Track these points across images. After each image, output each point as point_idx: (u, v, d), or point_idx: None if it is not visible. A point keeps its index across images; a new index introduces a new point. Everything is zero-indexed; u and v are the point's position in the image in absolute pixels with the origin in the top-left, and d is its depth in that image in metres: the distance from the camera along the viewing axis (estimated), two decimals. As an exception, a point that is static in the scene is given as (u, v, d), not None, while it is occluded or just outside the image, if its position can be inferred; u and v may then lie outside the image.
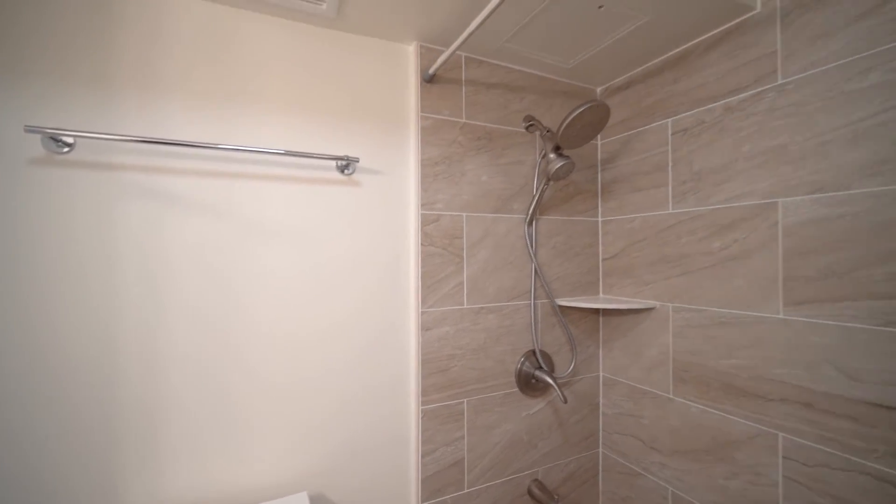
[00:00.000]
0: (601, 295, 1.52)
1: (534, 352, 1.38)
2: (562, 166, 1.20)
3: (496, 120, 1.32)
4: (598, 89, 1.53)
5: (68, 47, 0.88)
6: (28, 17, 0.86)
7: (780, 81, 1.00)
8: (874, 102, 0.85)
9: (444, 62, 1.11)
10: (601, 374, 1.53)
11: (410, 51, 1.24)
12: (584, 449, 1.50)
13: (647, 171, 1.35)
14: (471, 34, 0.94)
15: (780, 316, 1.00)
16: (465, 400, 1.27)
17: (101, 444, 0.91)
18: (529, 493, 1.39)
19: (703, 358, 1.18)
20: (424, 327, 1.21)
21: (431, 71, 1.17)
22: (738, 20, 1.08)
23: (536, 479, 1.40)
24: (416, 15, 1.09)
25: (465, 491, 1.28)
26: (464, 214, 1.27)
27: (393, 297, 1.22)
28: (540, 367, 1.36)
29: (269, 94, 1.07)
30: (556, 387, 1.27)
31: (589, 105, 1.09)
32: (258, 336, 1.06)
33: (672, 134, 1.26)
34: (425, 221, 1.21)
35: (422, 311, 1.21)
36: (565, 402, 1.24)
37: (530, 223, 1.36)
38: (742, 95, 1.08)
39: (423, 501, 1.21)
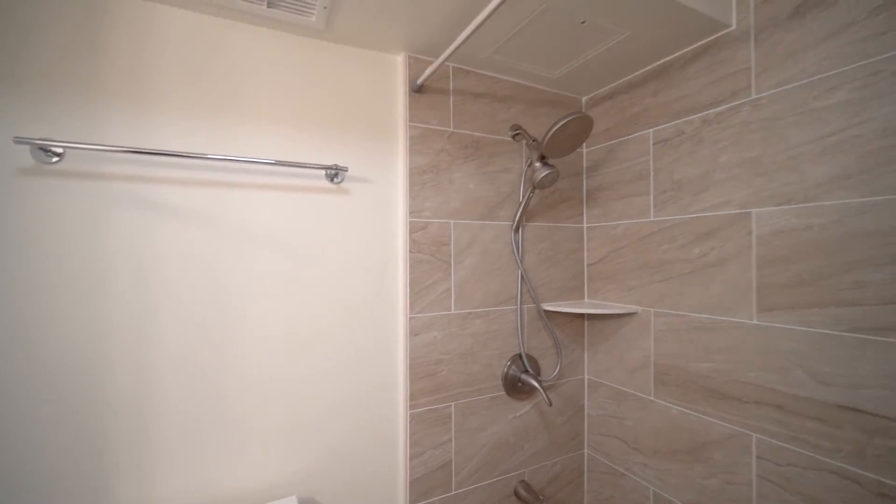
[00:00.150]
0: (586, 300, 1.56)
1: (520, 355, 1.41)
2: (546, 175, 1.23)
3: (483, 129, 1.35)
4: (584, 99, 1.56)
5: (58, 58, 0.89)
6: (17, 30, 0.86)
7: (753, 96, 1.04)
8: (839, 119, 0.89)
9: (432, 73, 1.13)
10: (586, 376, 1.57)
11: (399, 61, 1.26)
12: (569, 450, 1.54)
13: (629, 180, 1.39)
14: (457, 48, 0.97)
15: (754, 322, 1.05)
16: (453, 403, 1.30)
17: (93, 447, 0.92)
18: (516, 494, 1.42)
19: (683, 361, 1.22)
20: (413, 332, 1.24)
21: (420, 81, 1.19)
22: (714, 36, 1.12)
23: (523, 481, 1.43)
24: (405, 27, 1.11)
25: (453, 493, 1.30)
26: (451, 222, 1.29)
27: (381, 303, 1.25)
28: (526, 371, 1.39)
29: (258, 103, 1.09)
30: (541, 390, 1.30)
31: (572, 117, 1.13)
32: (250, 341, 1.07)
33: (653, 144, 1.30)
34: (413, 229, 1.24)
35: (410, 317, 1.23)
36: (550, 404, 1.27)
37: (517, 230, 1.39)
38: (719, 108, 1.12)
39: (411, 503, 1.23)
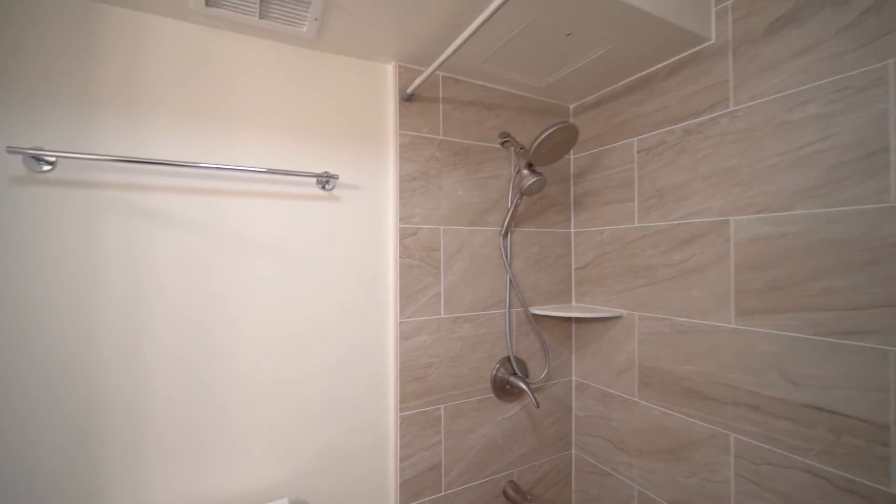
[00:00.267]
0: (574, 303, 1.60)
1: (509, 358, 1.44)
2: (534, 182, 1.26)
3: (472, 136, 1.37)
4: (571, 106, 1.60)
5: (51, 68, 0.90)
6: (9, 41, 0.87)
7: (731, 108, 1.08)
8: (810, 132, 0.93)
9: (422, 83, 1.16)
10: (574, 378, 1.60)
11: (389, 70, 1.28)
12: (557, 450, 1.57)
13: (615, 186, 1.42)
14: (445, 61, 0.99)
15: (733, 325, 1.08)
16: (443, 406, 1.32)
17: (88, 449, 0.94)
18: (505, 494, 1.45)
19: (665, 363, 1.25)
20: (403, 336, 1.26)
21: (410, 90, 1.22)
22: (694, 49, 1.16)
23: (512, 481, 1.46)
24: (395, 38, 1.13)
25: (443, 493, 1.33)
26: (441, 227, 1.32)
27: (372, 307, 1.27)
28: (514, 373, 1.42)
29: (250, 111, 1.10)
30: (528, 392, 1.33)
31: (558, 126, 1.16)
32: (243, 344, 1.09)
33: (638, 152, 1.34)
34: (404, 234, 1.26)
35: (400, 321, 1.25)
36: (537, 406, 1.30)
37: (505, 235, 1.42)
38: (699, 119, 1.16)
39: (401, 504, 1.26)
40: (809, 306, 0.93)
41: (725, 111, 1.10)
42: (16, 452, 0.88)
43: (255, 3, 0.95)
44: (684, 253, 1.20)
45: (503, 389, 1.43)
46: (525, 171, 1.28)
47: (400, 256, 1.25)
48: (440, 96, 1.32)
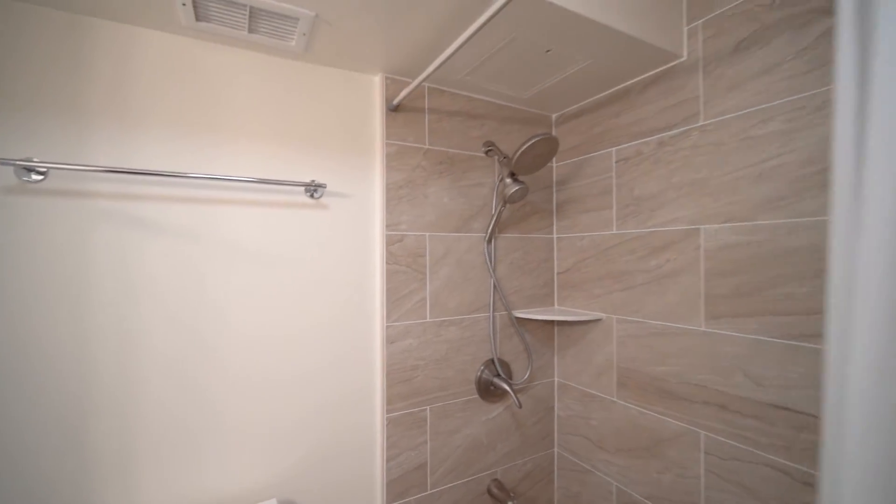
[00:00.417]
0: (556, 306, 1.65)
1: (493, 360, 1.49)
2: (516, 191, 1.31)
3: (457, 145, 1.42)
4: (554, 116, 1.65)
5: (42, 80, 0.92)
6: (1, 54, 0.89)
7: (701, 123, 1.14)
8: (773, 147, 0.99)
9: (408, 94, 1.19)
10: (556, 379, 1.66)
11: (376, 81, 1.32)
12: (540, 449, 1.62)
13: (595, 194, 1.48)
14: (430, 74, 1.03)
15: (703, 328, 1.14)
16: (428, 407, 1.36)
17: (81, 451, 0.96)
18: (489, 492, 1.49)
19: (641, 365, 1.31)
20: (389, 340, 1.29)
21: (396, 101, 1.25)
22: (667, 66, 1.22)
23: (496, 479, 1.51)
24: (382, 51, 1.17)
25: (429, 492, 1.36)
26: (427, 234, 1.36)
27: (360, 312, 1.30)
28: (498, 375, 1.47)
29: (240, 122, 1.13)
30: (511, 393, 1.37)
31: (538, 138, 1.20)
32: (234, 347, 1.12)
33: (616, 162, 1.39)
34: (390, 241, 1.29)
35: (387, 325, 1.29)
36: (520, 406, 1.35)
37: (489, 241, 1.46)
38: (672, 132, 1.22)
39: (388, 503, 1.29)
40: (772, 311, 0.99)
41: (696, 125, 1.15)
42: (11, 454, 0.90)
43: (245, 19, 0.98)
44: (659, 259, 1.26)
45: (487, 391, 1.47)
46: (508, 180, 1.33)
47: (386, 262, 1.29)
48: (426, 107, 1.35)
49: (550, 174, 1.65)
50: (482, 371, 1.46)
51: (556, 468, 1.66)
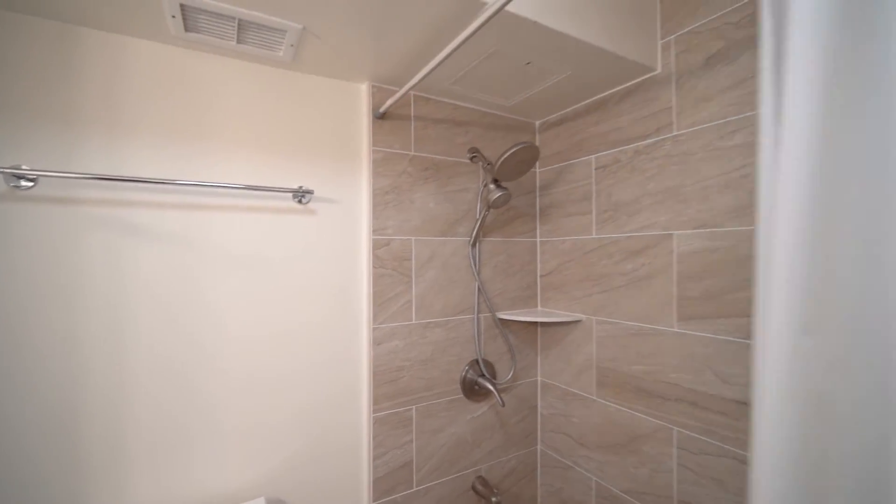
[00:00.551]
0: (539, 308, 1.70)
1: (477, 361, 1.53)
2: (499, 197, 1.35)
3: (443, 152, 1.46)
4: (537, 123, 1.70)
5: (33, 89, 0.94)
6: (-9, 62, 0.91)
7: (674, 133, 1.20)
8: (738, 158, 1.05)
9: (394, 103, 1.23)
10: (539, 378, 1.71)
11: (363, 90, 1.35)
12: (524, 447, 1.67)
13: (576, 200, 1.53)
14: (415, 84, 1.07)
15: (675, 329, 1.20)
16: (414, 407, 1.40)
17: (73, 450, 0.98)
18: (473, 488, 1.53)
19: (619, 364, 1.36)
20: (376, 342, 1.33)
21: (383, 109, 1.29)
22: (643, 78, 1.27)
23: (480, 476, 1.55)
24: (368, 61, 1.20)
25: (414, 489, 1.40)
26: (412, 238, 1.39)
27: (347, 314, 1.33)
28: (482, 375, 1.51)
29: (229, 129, 1.15)
30: (495, 392, 1.42)
31: (520, 146, 1.25)
32: (226, 350, 1.14)
33: (595, 169, 1.45)
34: (377, 245, 1.33)
35: (373, 327, 1.32)
36: (503, 405, 1.39)
37: (474, 244, 1.51)
38: (648, 141, 1.27)
39: (374, 500, 1.33)
40: (736, 312, 1.05)
41: (670, 135, 1.21)
42: (4, 453, 0.92)
43: (233, 30, 1.01)
44: (635, 263, 1.31)
45: (472, 390, 1.52)
46: (492, 186, 1.37)
47: (373, 266, 1.32)
48: (412, 114, 1.39)
49: (534, 179, 1.70)
50: (467, 371, 1.51)
51: (539, 465, 1.71)
